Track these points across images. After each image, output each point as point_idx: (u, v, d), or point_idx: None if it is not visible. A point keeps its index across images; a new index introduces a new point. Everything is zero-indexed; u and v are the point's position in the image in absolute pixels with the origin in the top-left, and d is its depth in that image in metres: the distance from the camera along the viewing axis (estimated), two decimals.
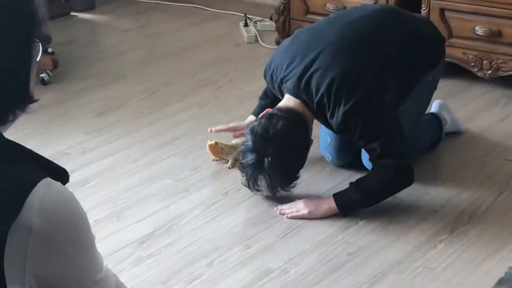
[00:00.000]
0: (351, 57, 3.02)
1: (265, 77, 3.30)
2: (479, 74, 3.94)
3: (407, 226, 2.94)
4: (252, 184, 2.97)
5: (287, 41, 3.31)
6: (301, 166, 3.02)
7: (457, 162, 3.40)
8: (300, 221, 2.98)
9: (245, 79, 4.18)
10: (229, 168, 3.32)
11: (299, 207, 3.04)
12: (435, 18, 3.94)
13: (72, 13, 5.04)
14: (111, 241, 2.86)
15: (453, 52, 3.96)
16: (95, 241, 1.41)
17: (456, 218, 2.98)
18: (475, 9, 3.86)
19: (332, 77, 2.93)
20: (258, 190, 3.00)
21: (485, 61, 3.89)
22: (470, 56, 3.94)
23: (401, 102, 3.13)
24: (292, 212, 3.03)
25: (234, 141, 3.40)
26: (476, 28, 3.88)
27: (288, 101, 3.02)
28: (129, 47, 4.64)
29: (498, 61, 3.87)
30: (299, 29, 3.76)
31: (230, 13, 4.96)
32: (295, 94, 3.00)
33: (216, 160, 3.36)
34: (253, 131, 2.93)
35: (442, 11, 3.93)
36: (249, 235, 2.91)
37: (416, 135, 3.31)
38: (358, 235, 2.89)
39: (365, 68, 3.02)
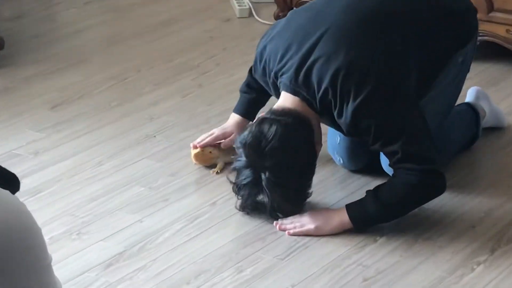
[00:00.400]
0: (358, 40, 3.01)
1: (255, 70, 3.29)
2: None
3: (437, 245, 2.93)
4: (250, 208, 2.98)
5: (280, 23, 3.28)
6: (309, 179, 3.00)
7: (499, 165, 3.41)
8: (305, 239, 2.97)
9: (236, 63, 4.19)
10: (217, 173, 3.33)
11: (304, 221, 3.02)
12: None
13: None
14: (71, 263, 2.83)
15: (495, 30, 4.00)
16: (52, 263, 1.43)
17: (499, 235, 2.97)
18: None
19: (336, 67, 2.91)
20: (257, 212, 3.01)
21: None
22: None
23: (423, 92, 3.11)
24: (295, 228, 3.01)
25: (223, 141, 3.40)
26: None
27: (284, 100, 3.01)
28: (92, 23, 4.65)
29: None
30: (293, 9, 3.71)
31: None
32: (292, 91, 2.98)
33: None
34: (243, 143, 2.91)
35: None
36: (242, 256, 2.90)
37: (447, 131, 3.30)
38: (376, 256, 2.89)
39: (376, 53, 3.00)
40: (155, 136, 3.58)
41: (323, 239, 2.97)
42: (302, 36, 3.01)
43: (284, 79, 3.00)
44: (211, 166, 3.36)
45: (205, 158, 3.35)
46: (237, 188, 2.94)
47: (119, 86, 3.99)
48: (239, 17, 4.65)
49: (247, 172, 2.87)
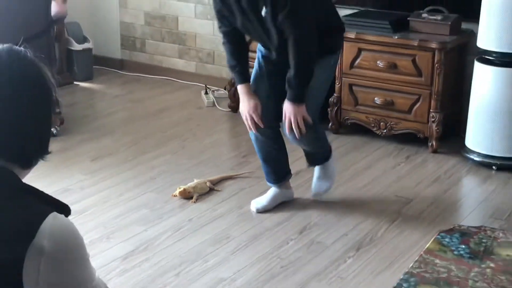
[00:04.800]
0: None
1: (218, 14, 2.83)
2: (377, 132, 3.97)
3: (324, 246, 2.93)
4: None
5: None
6: None
7: (360, 197, 3.39)
8: (246, 242, 2.96)
9: (205, 133, 4.17)
10: (194, 202, 3.29)
11: (291, 114, 2.79)
12: (345, 90, 3.98)
13: (75, 82, 5.00)
14: (102, 257, 2.82)
15: (359, 116, 4.00)
16: (89, 258, 1.41)
17: (361, 240, 2.98)
18: (375, 85, 3.91)
19: None
20: None
21: (381, 123, 3.93)
22: (371, 119, 3.96)
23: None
24: (294, 122, 2.79)
25: (196, 181, 3.38)
26: (376, 98, 3.93)
27: None
28: (117, 109, 4.61)
29: (392, 123, 3.90)
30: None
31: (195, 84, 4.96)
32: None
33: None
34: None
35: (350, 86, 3.97)
36: (207, 252, 2.89)
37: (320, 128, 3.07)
38: (288, 252, 2.88)
39: None
40: (155, 179, 3.54)
41: (257, 242, 2.95)
42: None
43: None
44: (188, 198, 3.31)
45: (185, 195, 3.29)
46: None
47: (133, 147, 3.95)
48: (207, 107, 4.61)
49: None
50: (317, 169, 3.20)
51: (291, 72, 2.75)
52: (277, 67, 2.90)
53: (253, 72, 3.02)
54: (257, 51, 3.01)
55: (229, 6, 2.75)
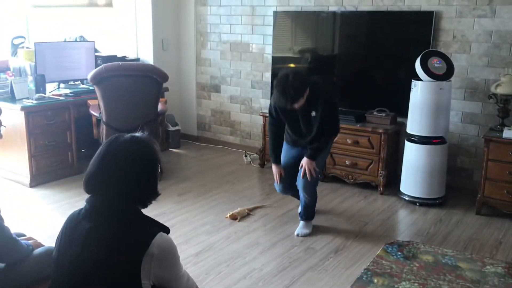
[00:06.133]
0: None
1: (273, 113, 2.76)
2: (347, 181, 3.88)
3: (315, 250, 2.86)
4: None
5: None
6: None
7: (337, 221, 3.26)
8: (269, 246, 2.86)
9: (245, 180, 4.10)
10: (238, 221, 3.22)
11: (307, 165, 2.76)
12: (328, 156, 3.78)
13: (170, 149, 4.99)
14: (183, 254, 2.75)
15: (336, 171, 3.91)
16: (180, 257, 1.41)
17: (338, 246, 2.91)
18: (346, 153, 3.87)
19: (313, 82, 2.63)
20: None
21: (349, 176, 3.87)
22: (344, 173, 3.89)
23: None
24: (308, 170, 2.76)
25: (239, 208, 3.30)
26: (346, 161, 3.85)
27: None
28: (194, 165, 4.55)
29: (356, 176, 3.84)
30: None
31: (239, 150, 4.91)
32: None
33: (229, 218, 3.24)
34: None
35: (331, 153, 3.92)
36: (245, 252, 2.82)
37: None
38: (294, 253, 2.79)
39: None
40: (215, 206, 3.47)
41: (276, 246, 2.86)
42: None
43: None
44: (235, 219, 3.26)
45: (233, 217, 3.22)
46: None
47: (203, 188, 3.89)
48: (246, 164, 4.54)
49: None
50: (302, 221, 3.08)
51: (315, 145, 2.77)
52: (294, 148, 2.90)
53: (282, 153, 2.98)
54: (284, 143, 2.97)
55: (286, 110, 2.69)
